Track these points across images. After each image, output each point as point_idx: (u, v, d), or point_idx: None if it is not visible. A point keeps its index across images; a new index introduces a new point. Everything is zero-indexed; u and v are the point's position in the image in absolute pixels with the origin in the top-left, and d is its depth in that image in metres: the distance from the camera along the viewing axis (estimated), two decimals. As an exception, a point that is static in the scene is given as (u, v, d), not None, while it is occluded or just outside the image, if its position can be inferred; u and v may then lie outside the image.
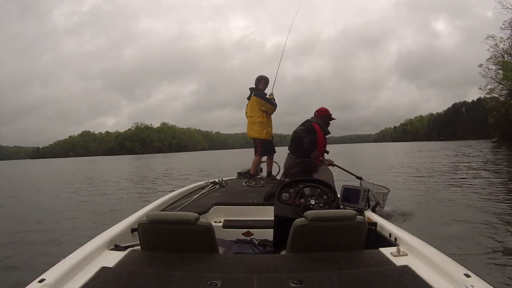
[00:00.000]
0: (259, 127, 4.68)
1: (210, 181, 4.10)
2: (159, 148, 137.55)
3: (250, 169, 4.78)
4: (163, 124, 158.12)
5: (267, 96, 4.75)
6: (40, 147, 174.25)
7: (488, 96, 38.96)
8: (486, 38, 36.60)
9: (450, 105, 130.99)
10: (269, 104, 4.67)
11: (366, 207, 2.40)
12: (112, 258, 1.47)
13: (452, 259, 1.37)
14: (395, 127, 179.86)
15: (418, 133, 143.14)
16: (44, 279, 1.20)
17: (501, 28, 35.58)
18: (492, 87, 37.24)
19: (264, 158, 4.83)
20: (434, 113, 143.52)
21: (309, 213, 1.57)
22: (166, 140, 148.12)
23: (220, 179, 4.17)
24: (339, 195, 2.37)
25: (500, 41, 35.86)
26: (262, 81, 4.73)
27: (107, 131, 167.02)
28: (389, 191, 3.07)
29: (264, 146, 4.72)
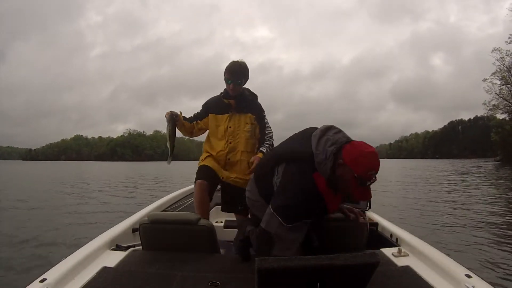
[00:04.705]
0: None
1: None
2: (151, 156, 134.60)
3: None
4: (156, 132, 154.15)
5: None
6: (33, 149, 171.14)
7: (491, 112, 37.20)
8: (492, 51, 34.80)
9: (444, 124, 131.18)
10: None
11: (368, 208, 2.33)
12: (113, 258, 1.47)
13: (453, 259, 1.37)
14: (390, 143, 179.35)
15: (413, 150, 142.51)
16: (46, 279, 1.19)
17: (507, 42, 33.89)
18: (497, 103, 35.35)
19: None
20: (430, 130, 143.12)
21: None
22: (159, 148, 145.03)
23: None
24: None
25: (506, 55, 33.87)
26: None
27: (100, 136, 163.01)
28: None
29: None
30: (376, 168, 1.29)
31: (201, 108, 2.37)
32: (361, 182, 1.28)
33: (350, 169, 1.28)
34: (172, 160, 2.32)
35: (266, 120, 2.34)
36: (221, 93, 2.29)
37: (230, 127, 2.24)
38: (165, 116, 2.17)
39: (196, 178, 2.27)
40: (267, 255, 1.32)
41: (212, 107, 2.30)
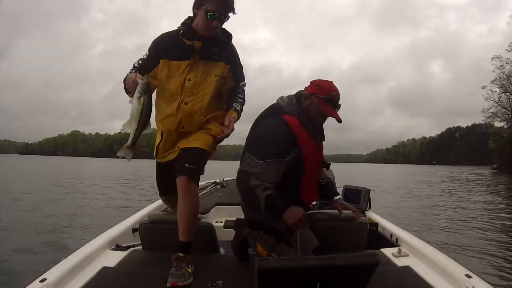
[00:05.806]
0: None
1: (211, 181, 3.98)
2: (147, 154, 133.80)
3: None
4: (154, 130, 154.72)
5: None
6: (30, 143, 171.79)
7: (490, 120, 37.15)
8: (492, 59, 34.48)
9: (441, 130, 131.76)
10: None
11: (368, 208, 2.38)
12: (113, 258, 1.47)
13: (453, 259, 1.37)
14: (387, 148, 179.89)
15: (410, 155, 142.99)
16: (46, 279, 1.19)
17: (507, 50, 33.72)
18: (495, 110, 35.21)
19: None
20: (427, 136, 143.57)
21: (310, 213, 1.57)
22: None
23: (221, 179, 4.07)
24: (340, 196, 2.27)
25: (506, 63, 33.49)
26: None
27: (97, 132, 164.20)
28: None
29: None
30: (336, 90, 1.49)
31: (147, 53, 1.55)
32: (328, 102, 1.46)
33: (315, 95, 1.47)
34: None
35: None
36: (179, 28, 1.50)
37: (189, 80, 1.49)
38: (136, 81, 1.37)
39: (159, 192, 1.75)
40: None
41: (166, 49, 1.51)
